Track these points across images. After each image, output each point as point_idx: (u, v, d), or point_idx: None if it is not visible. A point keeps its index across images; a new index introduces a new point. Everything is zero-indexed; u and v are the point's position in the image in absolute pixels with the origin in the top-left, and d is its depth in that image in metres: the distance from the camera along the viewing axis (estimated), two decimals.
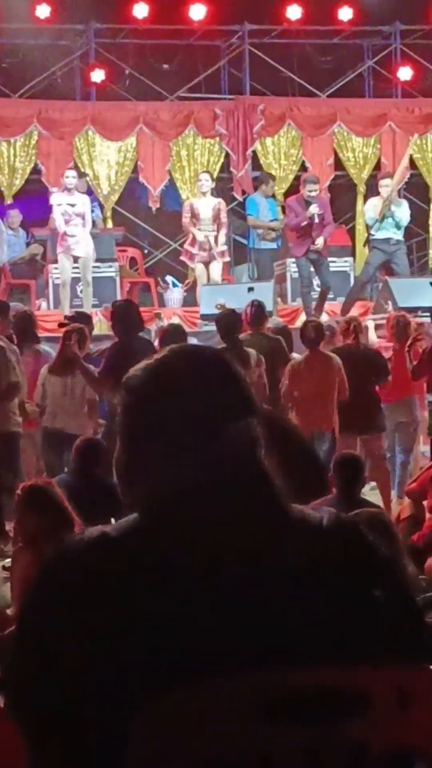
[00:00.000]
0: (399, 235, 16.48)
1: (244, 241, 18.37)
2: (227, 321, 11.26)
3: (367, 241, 16.64)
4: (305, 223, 15.61)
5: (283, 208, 17.89)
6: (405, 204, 16.86)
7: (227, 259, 16.71)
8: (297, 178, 19.20)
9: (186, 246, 16.71)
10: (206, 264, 16.16)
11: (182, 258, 17.11)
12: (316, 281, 16.07)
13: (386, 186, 16.37)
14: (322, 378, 10.90)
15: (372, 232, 16.40)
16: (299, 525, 2.04)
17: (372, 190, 18.51)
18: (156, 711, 1.85)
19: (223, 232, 16.41)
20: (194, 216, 16.16)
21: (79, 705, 1.91)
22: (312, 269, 15.91)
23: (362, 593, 2.00)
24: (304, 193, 15.74)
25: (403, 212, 16.51)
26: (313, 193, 15.63)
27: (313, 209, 15.50)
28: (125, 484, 2.08)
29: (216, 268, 16.20)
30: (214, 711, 1.85)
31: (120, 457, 2.08)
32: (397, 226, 16.40)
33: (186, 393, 2.03)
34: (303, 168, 19.05)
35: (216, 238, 16.20)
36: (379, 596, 2.01)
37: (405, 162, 17.97)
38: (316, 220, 15.51)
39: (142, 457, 2.03)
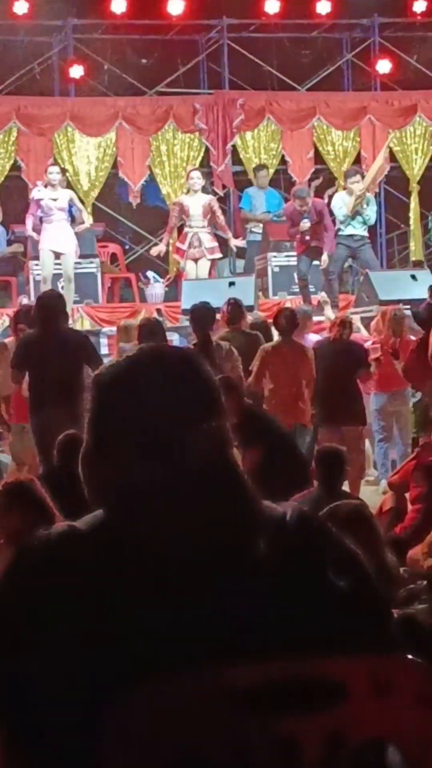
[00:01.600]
0: (364, 231, 16.51)
1: (225, 236, 18.39)
2: (200, 315, 11.28)
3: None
4: (298, 236, 15.73)
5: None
6: (373, 201, 16.92)
7: (218, 255, 16.66)
8: (278, 172, 19.27)
9: (177, 243, 16.71)
10: (195, 260, 16.16)
11: (174, 255, 17.07)
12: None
13: (357, 183, 16.37)
14: (291, 367, 10.90)
15: (341, 227, 16.42)
16: (264, 521, 2.05)
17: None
18: (128, 706, 1.85)
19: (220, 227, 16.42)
20: (184, 213, 16.17)
21: (49, 702, 1.91)
22: (312, 264, 15.99)
23: (326, 586, 2.01)
24: (296, 206, 15.77)
25: (372, 210, 16.56)
26: (305, 207, 15.65)
27: (305, 225, 15.56)
28: (91, 479, 2.08)
29: (204, 266, 16.21)
30: (188, 705, 1.85)
31: (87, 453, 2.09)
32: (364, 223, 16.45)
33: (156, 392, 2.04)
34: (283, 162, 19.06)
35: (208, 234, 16.21)
36: (343, 589, 2.02)
37: (380, 160, 18.00)
38: (308, 238, 15.60)
39: (110, 454, 2.05)
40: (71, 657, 1.91)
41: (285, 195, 18.74)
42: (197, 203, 16.12)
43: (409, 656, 2.05)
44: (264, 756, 1.86)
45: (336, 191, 18.12)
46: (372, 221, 16.64)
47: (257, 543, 2.00)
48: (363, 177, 16.61)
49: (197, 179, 16.36)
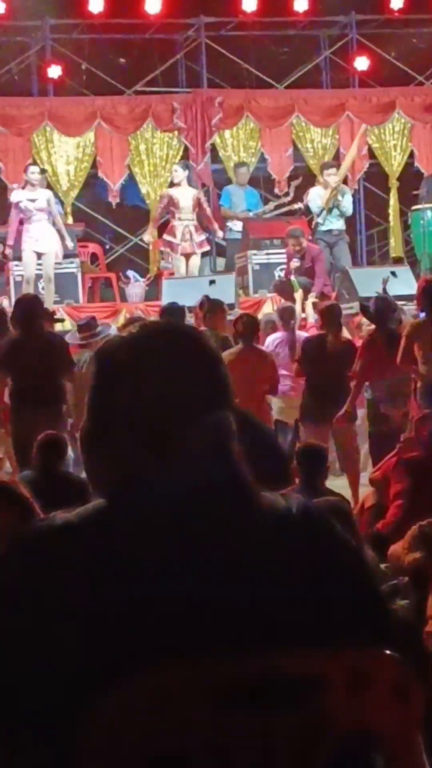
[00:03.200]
0: (341, 225, 16.62)
1: (211, 230, 18.43)
2: (171, 314, 11.33)
3: (313, 233, 16.70)
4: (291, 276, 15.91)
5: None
6: (349, 193, 17.02)
7: (207, 248, 16.79)
8: (257, 170, 19.28)
9: (165, 236, 16.68)
10: (187, 256, 16.20)
11: (162, 248, 17.03)
12: None
13: (333, 175, 16.48)
14: (251, 373, 10.91)
15: (319, 221, 16.49)
16: (267, 514, 2.01)
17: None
18: (108, 702, 1.85)
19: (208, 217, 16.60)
20: (174, 206, 16.22)
21: (33, 697, 1.90)
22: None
23: (328, 582, 1.99)
24: (290, 244, 15.83)
25: (347, 201, 16.67)
26: (297, 248, 15.70)
27: (294, 264, 15.64)
28: (89, 465, 2.02)
29: (195, 263, 16.28)
30: (170, 698, 1.86)
31: (86, 437, 2.01)
32: (342, 216, 16.53)
33: (160, 377, 1.94)
34: (262, 159, 19.08)
35: (196, 227, 16.32)
36: (344, 585, 2.01)
37: (353, 151, 18.04)
38: (292, 277, 15.67)
39: (108, 441, 1.97)
40: (62, 646, 1.89)
41: (264, 194, 18.78)
42: (187, 196, 16.23)
43: (387, 651, 2.05)
44: (243, 750, 1.85)
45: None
46: (349, 212, 16.77)
47: (255, 535, 1.97)
48: (338, 169, 16.72)
49: (174, 172, 16.62)
